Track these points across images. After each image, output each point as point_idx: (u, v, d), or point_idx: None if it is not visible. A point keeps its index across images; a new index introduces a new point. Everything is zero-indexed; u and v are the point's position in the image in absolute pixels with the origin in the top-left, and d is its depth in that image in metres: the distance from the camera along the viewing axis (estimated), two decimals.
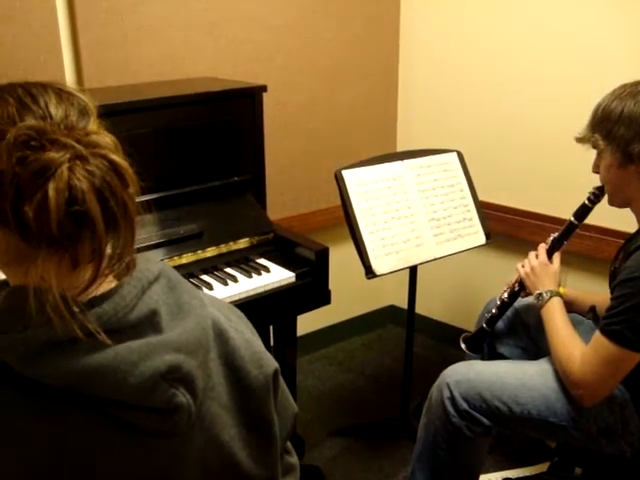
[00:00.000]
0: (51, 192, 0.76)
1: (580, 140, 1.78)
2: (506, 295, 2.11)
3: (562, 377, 1.77)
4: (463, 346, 2.22)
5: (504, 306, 2.12)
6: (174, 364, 0.85)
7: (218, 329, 0.97)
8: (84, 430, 0.82)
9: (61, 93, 0.86)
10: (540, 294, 1.93)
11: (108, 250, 0.82)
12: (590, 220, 1.99)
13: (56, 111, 0.83)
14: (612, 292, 1.69)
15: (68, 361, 0.79)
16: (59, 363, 0.79)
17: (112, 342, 0.81)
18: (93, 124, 0.85)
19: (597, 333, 1.66)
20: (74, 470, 0.82)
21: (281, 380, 1.07)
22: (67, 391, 0.80)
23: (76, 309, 0.79)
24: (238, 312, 1.07)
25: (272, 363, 1.03)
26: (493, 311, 2.14)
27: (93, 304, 0.82)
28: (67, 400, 0.81)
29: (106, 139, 0.84)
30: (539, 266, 2.00)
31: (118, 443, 0.84)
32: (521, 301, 2.15)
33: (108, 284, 0.86)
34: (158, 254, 1.92)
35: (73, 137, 0.80)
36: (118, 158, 0.82)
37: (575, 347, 1.73)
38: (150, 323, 0.86)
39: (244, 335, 1.01)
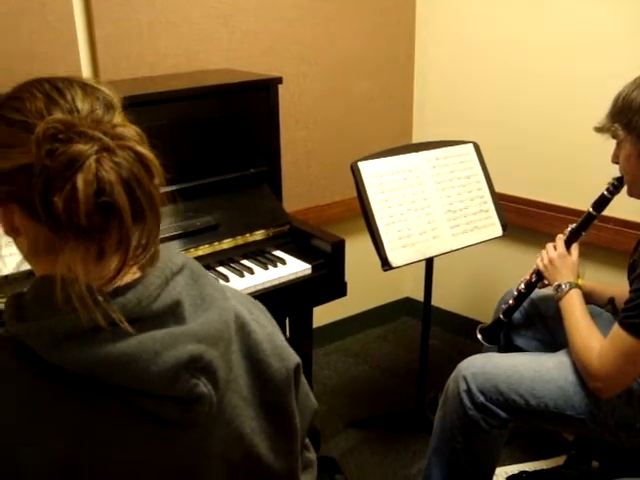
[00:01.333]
0: (80, 183, 0.77)
1: (599, 130, 1.77)
2: (523, 286, 2.10)
3: (580, 369, 1.76)
4: (479, 337, 2.21)
5: (521, 297, 2.11)
6: (196, 354, 0.85)
7: (240, 322, 0.97)
8: (106, 418, 0.83)
9: (86, 87, 0.87)
10: (559, 285, 1.92)
11: (134, 241, 0.83)
12: (608, 211, 1.98)
13: (82, 105, 0.84)
14: (631, 284, 1.68)
15: (91, 349, 0.80)
16: (83, 350, 0.80)
17: (135, 331, 0.82)
18: (118, 117, 0.86)
19: (616, 326, 1.65)
20: (94, 457, 0.83)
21: (302, 375, 1.07)
22: (90, 379, 0.81)
23: (100, 298, 0.80)
24: (260, 306, 1.07)
25: (294, 357, 1.03)
26: (510, 302, 2.13)
27: (117, 294, 0.83)
28: (90, 388, 0.82)
29: (132, 131, 0.85)
30: (558, 258, 1.98)
31: (139, 432, 0.85)
32: (538, 292, 2.14)
33: (132, 275, 0.87)
34: (174, 246, 1.92)
35: (100, 130, 0.81)
36: (144, 150, 0.83)
37: (593, 339, 1.72)
38: (173, 314, 0.87)
39: (266, 329, 1.01)
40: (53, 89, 0.85)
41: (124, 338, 0.81)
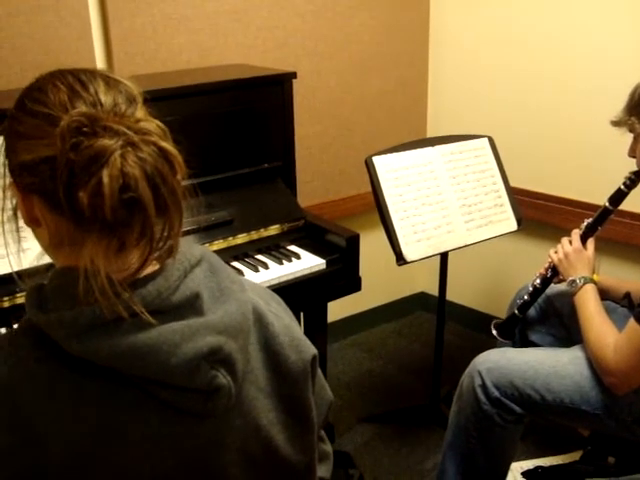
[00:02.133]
0: (105, 179, 0.77)
1: (616, 124, 1.75)
2: (538, 281, 2.09)
3: (595, 364, 1.75)
4: (494, 332, 2.20)
5: (536, 292, 2.10)
6: (216, 346, 0.86)
7: (258, 314, 0.98)
8: (125, 408, 0.84)
9: (109, 80, 0.87)
10: (574, 280, 1.91)
11: (156, 234, 0.83)
12: (624, 206, 1.97)
13: (105, 98, 0.84)
14: None
15: (112, 340, 0.81)
16: (104, 341, 0.80)
17: (155, 323, 0.82)
18: (140, 111, 0.87)
19: (631, 321, 1.64)
20: (113, 446, 0.83)
21: (318, 368, 1.08)
22: (111, 370, 0.82)
23: (121, 290, 0.81)
24: (277, 298, 1.08)
25: (311, 349, 1.04)
26: (525, 297, 2.12)
27: (137, 285, 0.84)
28: (110, 378, 0.83)
29: (155, 126, 0.85)
30: (573, 252, 1.97)
31: (158, 422, 0.86)
32: (553, 288, 2.13)
33: (151, 267, 0.87)
34: (190, 240, 1.93)
35: (124, 124, 0.81)
36: (168, 145, 0.84)
37: (608, 335, 1.71)
38: (192, 306, 0.87)
39: (283, 321, 1.02)
40: (76, 81, 0.85)
41: (144, 330, 0.82)
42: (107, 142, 0.79)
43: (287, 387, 0.99)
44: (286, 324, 1.01)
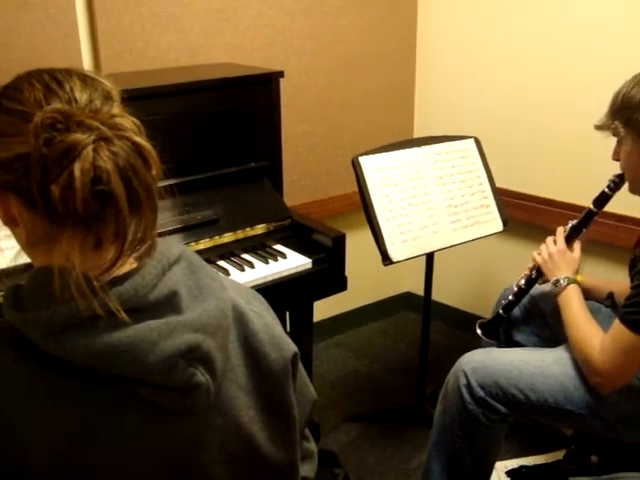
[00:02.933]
0: (77, 172, 0.78)
1: (600, 128, 1.77)
2: (523, 282, 2.10)
3: (580, 365, 1.76)
4: (479, 332, 2.21)
5: (521, 292, 2.11)
6: (194, 344, 0.86)
7: (238, 312, 0.98)
8: (104, 406, 0.84)
9: (85, 78, 0.87)
10: (557, 280, 1.92)
11: (130, 231, 0.83)
12: (609, 207, 1.98)
13: (81, 95, 0.84)
14: (632, 280, 1.68)
15: (89, 338, 0.80)
16: (81, 340, 0.80)
17: (132, 321, 0.82)
18: (116, 108, 0.87)
19: (616, 321, 1.65)
20: (93, 444, 0.83)
21: (300, 365, 1.08)
22: (89, 369, 0.82)
23: (98, 288, 0.81)
24: (260, 297, 1.08)
25: (291, 347, 1.04)
26: (510, 297, 2.13)
27: (114, 283, 0.84)
28: (88, 377, 0.83)
29: (130, 122, 0.85)
30: (557, 253, 1.98)
31: (138, 421, 0.86)
32: (537, 288, 2.14)
33: (129, 265, 0.87)
34: (175, 240, 1.92)
35: (98, 119, 0.82)
36: (142, 140, 0.84)
37: (594, 335, 1.72)
38: (170, 304, 0.87)
39: (264, 319, 1.02)
40: (52, 80, 0.85)
41: (121, 328, 0.82)
42: (80, 136, 0.80)
43: (267, 385, 0.99)
44: (267, 322, 1.02)
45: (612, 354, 1.66)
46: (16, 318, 0.82)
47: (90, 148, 0.79)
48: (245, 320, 0.98)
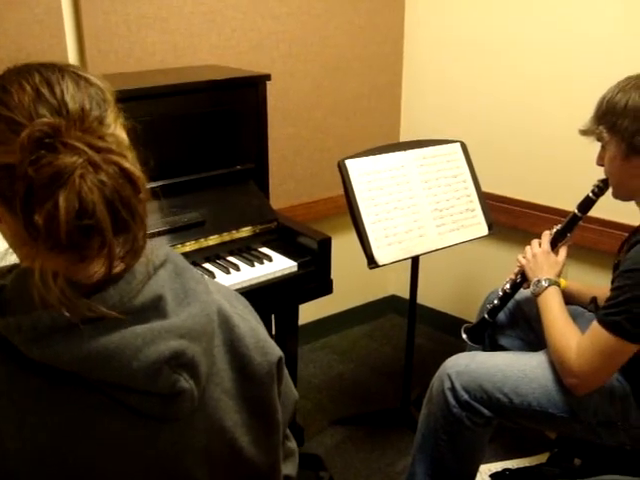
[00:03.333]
0: (61, 202, 0.76)
1: (584, 133, 1.78)
2: (508, 286, 2.11)
3: (556, 366, 1.77)
4: (464, 336, 2.22)
5: (506, 297, 2.12)
6: (178, 350, 0.85)
7: (223, 316, 0.97)
8: (88, 412, 0.83)
9: (79, 80, 0.85)
10: (539, 281, 1.93)
11: (117, 246, 0.82)
12: (593, 212, 1.99)
13: (72, 103, 0.82)
14: (613, 282, 1.69)
15: (73, 344, 0.80)
16: (64, 346, 0.79)
17: (117, 326, 0.81)
18: (110, 115, 0.85)
19: (594, 323, 1.66)
20: (77, 450, 0.83)
21: (285, 368, 1.07)
22: (73, 374, 0.81)
23: (79, 296, 0.80)
24: (244, 300, 1.07)
25: (276, 351, 1.03)
26: (495, 302, 2.14)
27: (98, 289, 0.82)
28: (73, 383, 0.82)
29: (121, 139, 0.83)
30: (541, 254, 2.00)
31: (122, 426, 0.85)
32: (522, 293, 2.15)
33: (114, 268, 0.86)
34: (161, 241, 1.91)
35: (86, 141, 0.79)
36: (130, 166, 0.81)
37: (571, 336, 1.73)
38: (155, 308, 0.86)
39: (249, 323, 1.01)
40: (43, 82, 0.83)
41: (105, 334, 0.81)
42: (67, 160, 0.77)
43: (252, 389, 0.99)
44: (252, 326, 1.01)
45: (589, 355, 1.66)
46: None
47: (77, 175, 0.77)
48: (231, 324, 0.98)
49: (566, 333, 1.75)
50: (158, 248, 0.91)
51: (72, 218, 0.76)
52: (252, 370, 0.98)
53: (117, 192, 0.79)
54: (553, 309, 1.84)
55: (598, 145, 1.79)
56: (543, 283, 1.91)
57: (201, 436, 0.92)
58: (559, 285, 1.92)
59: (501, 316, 2.19)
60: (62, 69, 0.86)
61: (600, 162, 1.81)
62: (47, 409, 0.82)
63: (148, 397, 0.85)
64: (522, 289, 2.11)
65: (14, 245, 0.88)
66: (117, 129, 0.86)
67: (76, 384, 0.82)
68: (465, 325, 2.25)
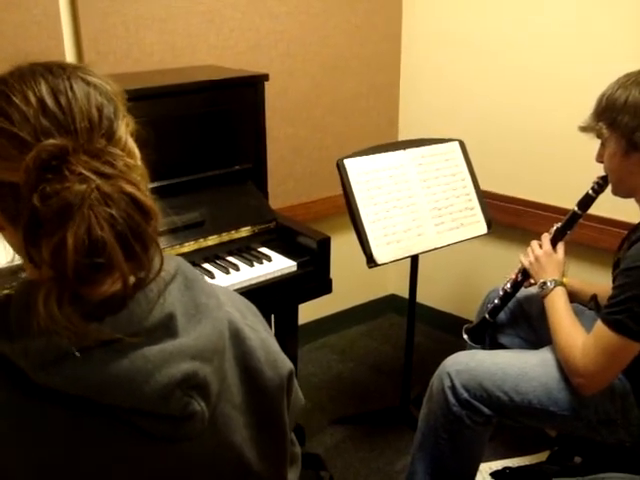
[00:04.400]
0: (70, 239, 0.72)
1: (584, 129, 1.78)
2: (509, 285, 2.11)
3: (563, 365, 1.77)
4: (465, 337, 2.22)
5: (507, 296, 2.12)
6: (190, 372, 0.83)
7: (234, 329, 0.94)
8: (96, 435, 0.81)
9: (88, 88, 0.81)
10: (544, 283, 1.93)
11: (128, 270, 0.79)
12: (593, 210, 1.99)
13: (80, 116, 0.78)
14: (614, 281, 1.69)
15: (82, 371, 0.77)
16: (73, 373, 0.77)
17: (127, 348, 0.79)
18: (121, 124, 0.82)
19: (598, 322, 1.67)
20: (85, 473, 0.81)
21: (295, 380, 1.05)
22: (81, 398, 0.79)
23: (87, 320, 0.77)
24: (254, 309, 1.04)
25: (287, 364, 1.01)
26: (495, 301, 2.14)
27: (108, 311, 0.79)
28: (82, 408, 0.79)
29: (131, 156, 0.80)
30: (543, 255, 2.00)
31: (131, 448, 0.83)
32: (523, 291, 2.15)
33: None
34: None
35: (94, 168, 0.76)
36: (142, 196, 0.78)
37: (577, 336, 1.74)
38: (166, 327, 0.83)
39: (260, 334, 0.98)
40: (49, 92, 0.78)
41: (116, 359, 0.78)
42: (75, 190, 0.73)
43: (262, 402, 0.97)
44: (263, 338, 0.98)
45: (594, 355, 1.67)
46: (4, 347, 0.78)
47: (86, 206, 0.73)
48: (242, 337, 0.95)
49: (572, 333, 1.76)
50: (167, 261, 0.87)
51: (81, 255, 0.73)
52: (263, 384, 0.96)
53: (129, 226, 0.76)
54: (559, 310, 1.84)
55: (597, 142, 1.79)
56: (549, 284, 1.91)
57: (209, 453, 0.90)
58: (564, 285, 1.92)
59: (501, 315, 2.19)
60: (70, 74, 0.81)
61: (600, 159, 1.81)
62: (55, 432, 0.79)
63: (159, 420, 0.83)
64: (523, 288, 2.11)
65: (17, 252, 0.85)
66: (128, 141, 0.83)
67: (85, 408, 0.79)
68: (466, 325, 2.25)
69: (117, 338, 0.78)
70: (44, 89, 0.79)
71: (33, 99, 0.78)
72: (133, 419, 0.82)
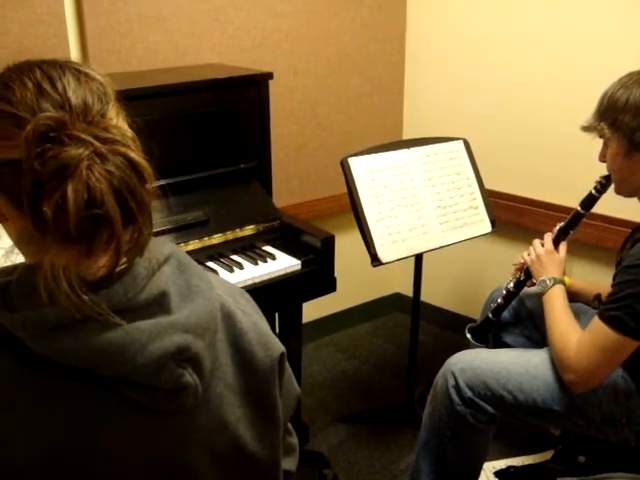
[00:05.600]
0: (70, 193, 0.76)
1: (586, 129, 1.78)
2: (512, 285, 2.11)
3: (556, 362, 1.76)
4: (469, 336, 2.22)
5: (510, 296, 2.12)
6: (183, 345, 0.86)
7: (226, 311, 0.98)
8: (92, 406, 0.84)
9: (79, 76, 0.85)
10: (543, 280, 1.93)
11: (125, 240, 0.82)
12: (596, 209, 1.99)
13: (75, 98, 0.82)
14: (614, 278, 1.69)
15: (78, 340, 0.80)
16: (69, 342, 0.80)
17: (121, 322, 0.82)
18: (112, 110, 0.85)
19: (595, 318, 1.66)
20: (81, 444, 0.84)
21: (287, 364, 1.08)
22: (78, 369, 0.82)
23: (85, 292, 0.80)
24: (247, 295, 1.08)
25: (279, 346, 1.04)
26: (499, 301, 2.14)
27: (103, 285, 0.83)
28: (78, 378, 0.83)
29: (124, 132, 0.83)
30: (545, 254, 2.00)
31: (125, 420, 0.86)
32: (526, 290, 2.15)
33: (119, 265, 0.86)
34: (165, 239, 1.92)
35: (91, 133, 0.79)
36: (136, 156, 0.82)
37: (572, 333, 1.73)
38: (159, 304, 0.87)
39: (251, 318, 1.02)
40: (44, 77, 0.83)
41: (111, 329, 0.81)
42: (73, 152, 0.77)
43: (255, 384, 0.99)
44: (254, 321, 1.02)
45: (589, 352, 1.66)
46: (4, 318, 0.82)
47: (84, 166, 0.76)
48: (233, 319, 0.98)
49: (567, 330, 1.75)
50: (162, 245, 0.92)
51: (81, 208, 0.76)
52: (254, 365, 0.99)
53: (124, 182, 0.79)
54: (556, 307, 1.84)
55: (600, 141, 1.79)
56: (548, 282, 1.91)
57: (203, 431, 0.93)
58: (564, 283, 1.92)
59: (505, 313, 2.19)
60: (63, 65, 0.86)
61: (602, 158, 1.81)
62: (52, 402, 0.82)
63: (152, 391, 0.86)
64: (527, 287, 2.11)
65: (20, 243, 0.88)
66: (120, 122, 0.86)
67: (81, 379, 0.83)
68: (469, 325, 2.25)
69: (113, 310, 0.81)
70: (39, 75, 0.83)
71: (30, 84, 0.82)
72: (127, 392, 0.84)
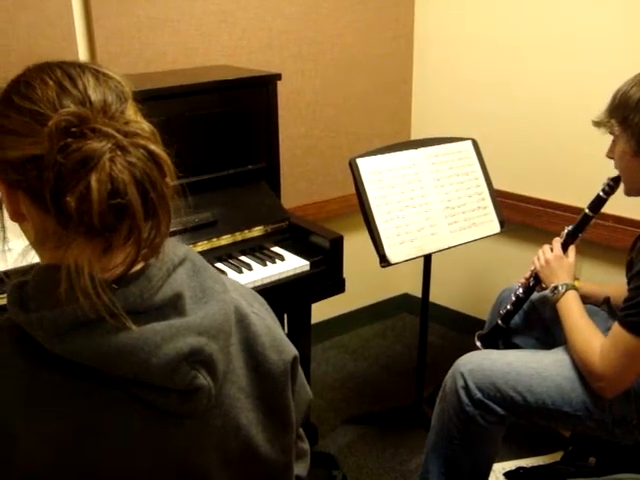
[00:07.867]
0: (94, 183, 0.76)
1: (597, 124, 1.77)
2: (521, 290, 2.09)
3: (582, 370, 1.75)
4: (478, 344, 2.20)
5: (519, 302, 2.10)
6: (196, 347, 0.86)
7: (240, 314, 0.98)
8: (106, 407, 0.84)
9: (98, 75, 0.86)
10: (556, 287, 1.92)
11: (144, 236, 0.83)
12: (605, 209, 1.98)
13: (95, 95, 0.83)
14: (629, 283, 1.68)
15: (93, 340, 0.81)
16: (85, 341, 0.80)
17: (136, 323, 0.82)
18: (130, 108, 0.86)
19: (616, 325, 1.65)
20: (93, 444, 0.83)
21: (299, 368, 1.08)
22: (93, 369, 0.82)
23: (102, 291, 0.80)
24: (261, 299, 1.08)
25: (292, 350, 1.04)
26: (508, 307, 2.12)
27: (119, 285, 0.83)
28: (92, 378, 0.83)
29: (144, 127, 0.84)
30: (554, 259, 1.98)
31: (138, 422, 0.86)
32: (537, 294, 2.13)
33: (135, 265, 0.86)
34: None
35: (113, 126, 0.80)
36: (157, 149, 0.83)
37: (594, 339, 1.72)
38: (174, 306, 0.87)
39: (265, 321, 1.02)
40: (65, 76, 0.84)
41: (126, 330, 0.82)
42: (96, 145, 0.78)
43: (267, 387, 0.99)
44: (268, 324, 1.02)
45: (613, 358, 1.65)
46: (20, 317, 0.82)
47: (107, 157, 0.78)
48: (247, 322, 0.98)
49: (588, 337, 1.74)
50: (176, 247, 0.92)
51: (104, 199, 0.77)
52: (267, 369, 0.99)
53: (146, 173, 0.80)
54: (573, 314, 1.83)
55: (611, 140, 1.78)
56: (560, 289, 1.90)
57: (216, 434, 0.93)
58: (576, 288, 1.91)
59: (516, 317, 2.17)
60: (82, 65, 0.87)
61: (610, 154, 1.79)
62: (66, 402, 0.83)
63: (165, 393, 0.86)
64: (536, 292, 2.10)
65: (38, 242, 0.88)
66: (139, 118, 0.87)
67: (95, 379, 0.83)
68: (478, 332, 2.23)
69: (128, 310, 0.82)
70: (59, 74, 0.85)
71: (51, 82, 0.84)
72: (141, 393, 0.85)
